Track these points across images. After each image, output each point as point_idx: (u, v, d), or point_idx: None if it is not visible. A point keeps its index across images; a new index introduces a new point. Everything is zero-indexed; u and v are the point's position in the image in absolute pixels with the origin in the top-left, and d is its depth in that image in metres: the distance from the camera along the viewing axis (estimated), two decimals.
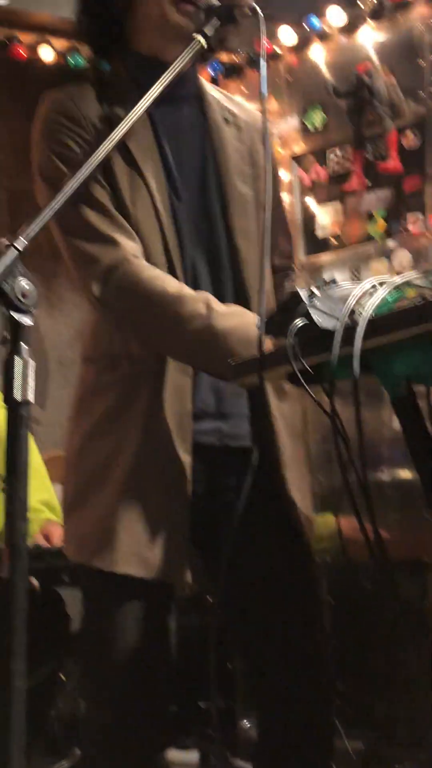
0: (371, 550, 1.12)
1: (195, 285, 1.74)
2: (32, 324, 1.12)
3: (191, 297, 1.66)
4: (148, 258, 1.71)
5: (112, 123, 1.67)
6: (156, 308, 1.65)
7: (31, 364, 1.13)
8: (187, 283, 1.72)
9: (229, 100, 1.92)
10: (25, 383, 1.12)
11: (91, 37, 1.85)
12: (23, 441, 1.13)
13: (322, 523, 3.05)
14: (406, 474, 3.66)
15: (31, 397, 1.12)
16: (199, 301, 1.65)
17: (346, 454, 1.24)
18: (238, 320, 1.62)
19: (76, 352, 3.48)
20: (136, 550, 1.66)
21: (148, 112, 1.73)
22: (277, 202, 2.00)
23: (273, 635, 1.73)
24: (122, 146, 1.70)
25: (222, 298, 1.70)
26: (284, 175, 3.83)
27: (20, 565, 1.12)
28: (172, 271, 1.72)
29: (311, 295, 1.29)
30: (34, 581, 2.77)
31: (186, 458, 1.70)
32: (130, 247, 1.69)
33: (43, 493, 2.97)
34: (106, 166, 1.69)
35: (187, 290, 1.68)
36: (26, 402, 1.12)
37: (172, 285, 1.67)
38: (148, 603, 1.69)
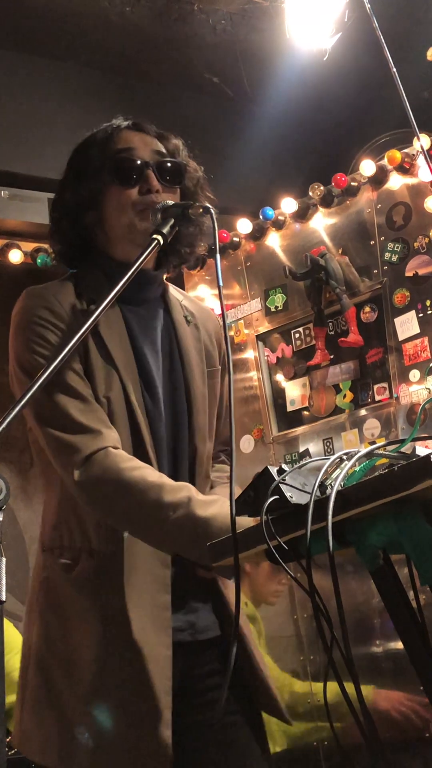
0: (362, 731, 1.08)
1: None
2: (1, 520, 1.12)
3: (172, 486, 1.68)
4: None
5: (88, 317, 1.74)
6: (138, 496, 1.66)
7: (3, 561, 1.12)
8: None
9: (188, 300, 2.02)
10: None
11: (63, 255, 1.94)
12: None
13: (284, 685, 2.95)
14: (400, 645, 3.54)
15: (3, 596, 1.10)
16: (181, 490, 1.67)
17: (329, 631, 1.22)
18: (218, 508, 1.64)
19: None
20: (107, 757, 1.60)
21: (122, 311, 1.82)
22: (227, 395, 2.08)
23: None
24: (99, 341, 1.76)
25: None
26: (250, 353, 3.94)
27: None
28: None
29: (280, 471, 1.30)
30: None
31: (166, 652, 1.66)
32: (111, 437, 1.71)
33: None
34: (85, 358, 1.74)
35: (167, 480, 1.70)
36: None
37: (153, 474, 1.69)
38: None
